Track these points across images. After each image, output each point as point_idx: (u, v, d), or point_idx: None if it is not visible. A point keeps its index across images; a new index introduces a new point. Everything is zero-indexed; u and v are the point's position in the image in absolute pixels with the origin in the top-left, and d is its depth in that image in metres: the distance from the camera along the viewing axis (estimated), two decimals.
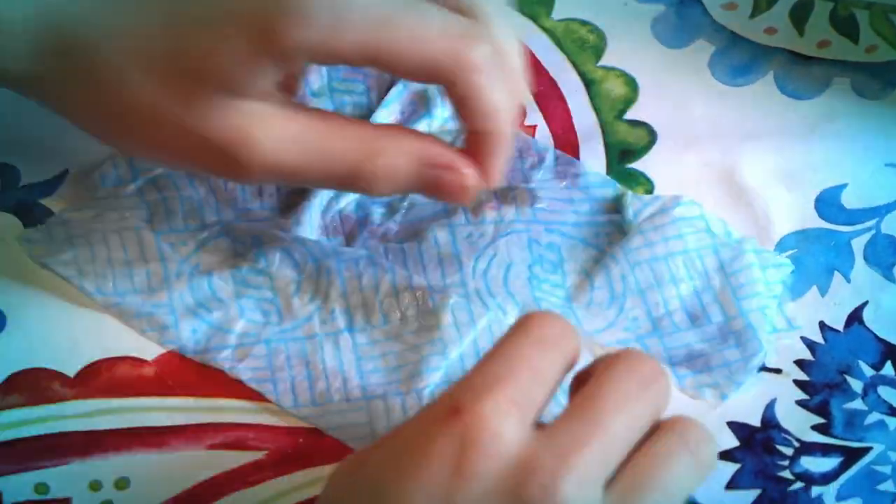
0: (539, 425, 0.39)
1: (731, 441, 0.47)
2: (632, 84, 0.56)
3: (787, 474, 0.46)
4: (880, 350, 0.49)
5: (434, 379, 0.48)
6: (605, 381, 0.40)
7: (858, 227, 0.52)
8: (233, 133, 0.45)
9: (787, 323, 0.49)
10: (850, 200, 0.52)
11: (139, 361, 0.49)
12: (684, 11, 0.59)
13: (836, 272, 0.51)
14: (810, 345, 0.49)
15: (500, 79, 0.45)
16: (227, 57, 0.44)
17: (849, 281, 0.50)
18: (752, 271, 0.50)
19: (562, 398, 0.41)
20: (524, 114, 0.55)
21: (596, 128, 0.55)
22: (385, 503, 0.38)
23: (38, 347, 0.49)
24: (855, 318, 0.49)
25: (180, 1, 0.44)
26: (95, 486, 0.46)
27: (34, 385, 0.48)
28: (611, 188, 0.53)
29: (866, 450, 0.46)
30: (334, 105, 0.55)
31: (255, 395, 0.48)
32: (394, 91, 0.55)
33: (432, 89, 0.55)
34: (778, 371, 0.48)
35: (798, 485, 0.46)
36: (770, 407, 0.47)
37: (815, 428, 0.47)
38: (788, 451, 0.46)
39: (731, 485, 0.46)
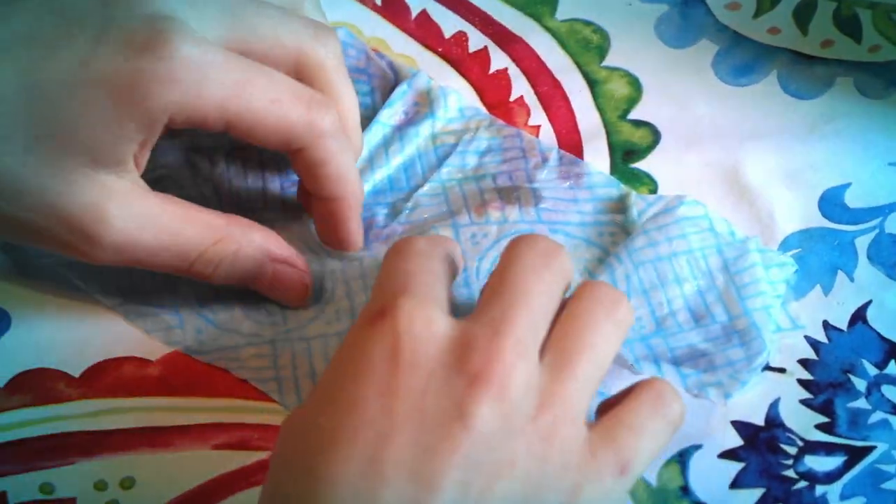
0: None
1: (735, 440, 0.47)
2: (635, 84, 0.56)
3: (791, 473, 0.46)
4: (884, 349, 0.48)
5: None
6: (511, 262, 0.42)
7: (862, 226, 0.52)
8: (89, 210, 0.45)
9: (790, 322, 0.49)
10: (853, 200, 0.52)
11: (144, 362, 0.49)
12: (688, 11, 0.59)
13: (839, 271, 0.50)
14: (814, 344, 0.49)
15: (347, 146, 0.48)
16: (93, 120, 0.44)
17: (852, 280, 0.50)
18: (756, 271, 0.50)
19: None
20: (528, 113, 0.55)
21: (599, 128, 0.55)
22: (335, 412, 0.39)
23: (43, 348, 0.49)
24: (858, 317, 0.49)
25: (39, 64, 0.44)
26: (100, 485, 0.46)
27: (39, 385, 0.48)
28: (614, 188, 0.53)
29: (870, 449, 0.46)
30: None
31: (259, 396, 0.48)
32: (397, 91, 0.55)
33: (435, 90, 0.55)
34: (782, 370, 0.48)
35: (802, 484, 0.46)
36: (774, 406, 0.47)
37: (818, 427, 0.47)
38: (792, 451, 0.46)
39: (735, 484, 0.46)
